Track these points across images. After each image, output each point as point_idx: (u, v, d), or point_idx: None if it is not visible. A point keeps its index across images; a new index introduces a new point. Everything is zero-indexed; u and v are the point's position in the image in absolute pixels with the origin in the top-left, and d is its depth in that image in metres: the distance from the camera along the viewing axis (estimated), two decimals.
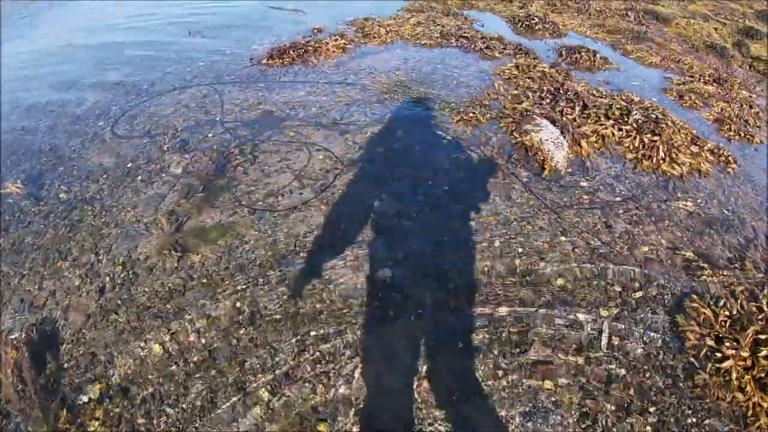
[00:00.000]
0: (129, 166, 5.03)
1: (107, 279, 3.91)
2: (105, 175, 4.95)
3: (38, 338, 3.61)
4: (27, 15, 12.11)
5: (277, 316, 3.50)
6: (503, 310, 3.55)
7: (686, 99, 6.86)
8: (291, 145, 5.13)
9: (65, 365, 3.40)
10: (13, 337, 3.64)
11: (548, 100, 5.90)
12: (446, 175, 4.73)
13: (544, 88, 6.19)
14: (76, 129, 5.86)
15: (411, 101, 6.01)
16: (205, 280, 3.77)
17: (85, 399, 3.18)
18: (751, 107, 7.01)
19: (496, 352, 3.32)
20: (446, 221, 4.22)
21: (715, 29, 10.39)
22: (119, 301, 3.72)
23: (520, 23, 9.19)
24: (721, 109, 6.77)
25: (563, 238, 4.14)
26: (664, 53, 8.47)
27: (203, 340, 3.41)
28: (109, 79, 7.20)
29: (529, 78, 6.58)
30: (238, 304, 3.58)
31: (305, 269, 3.80)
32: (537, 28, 9.01)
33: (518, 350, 3.34)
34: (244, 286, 3.70)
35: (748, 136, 6.24)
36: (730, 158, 5.50)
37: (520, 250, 4.01)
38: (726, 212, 4.71)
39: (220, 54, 7.79)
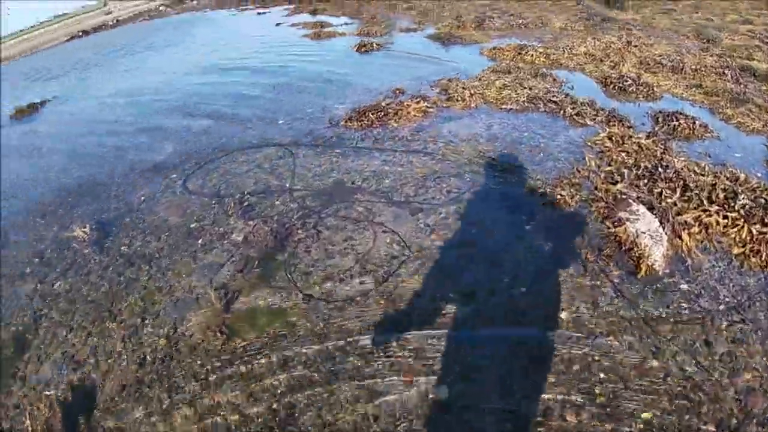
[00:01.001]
0: (193, 226, 4.98)
1: (149, 350, 3.77)
2: (168, 233, 4.92)
3: (72, 399, 3.52)
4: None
5: (312, 429, 3.15)
6: None
7: None
8: (358, 223, 4.86)
9: None
10: (48, 393, 3.57)
11: (645, 180, 5.31)
12: (525, 271, 4.24)
13: (641, 165, 5.59)
14: (150, 178, 5.97)
15: (492, 176, 5.60)
16: (244, 370, 3.51)
17: None
18: None
19: None
20: (521, 333, 3.74)
21: None
22: (155, 376, 3.56)
23: (612, 85, 8.61)
24: None
25: (655, 362, 3.53)
26: (767, 117, 7.57)
27: None
28: (193, 127, 7.39)
29: (623, 152, 5.99)
30: (274, 406, 3.27)
31: (351, 375, 3.44)
32: (630, 90, 8.39)
33: None
34: (283, 388, 3.39)
35: None
36: None
37: (602, 375, 3.45)
38: None
39: (302, 112, 7.82)
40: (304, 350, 3.62)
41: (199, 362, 3.60)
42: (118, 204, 5.48)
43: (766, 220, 4.59)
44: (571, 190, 5.26)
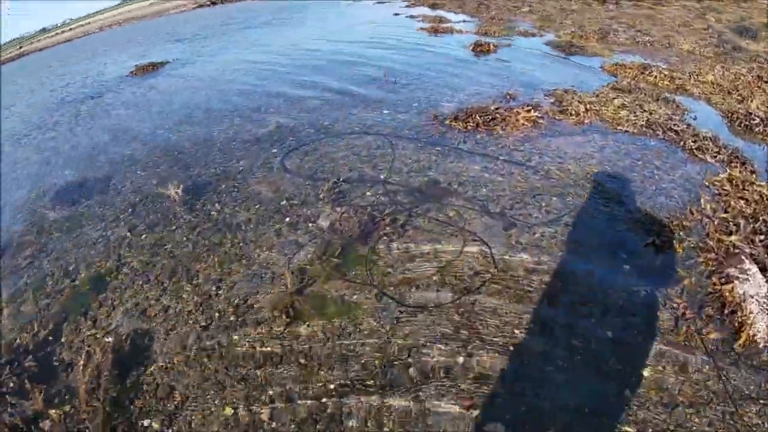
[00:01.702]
0: (283, 203, 4.99)
1: (216, 316, 3.78)
2: (258, 205, 4.96)
3: (130, 349, 3.62)
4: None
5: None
6: None
7: None
8: (447, 227, 4.64)
9: (144, 386, 3.34)
10: (108, 340, 3.68)
11: (762, 237, 4.70)
12: (614, 316, 3.86)
13: (760, 218, 4.97)
14: (251, 150, 6.06)
15: (597, 203, 5.18)
16: (303, 360, 3.43)
17: (149, 425, 3.11)
18: None
19: None
20: (596, 382, 3.39)
21: None
22: (216, 345, 3.57)
23: (738, 121, 7.78)
24: None
25: None
26: None
27: (274, 424, 3.08)
28: (301, 105, 7.46)
29: (742, 199, 5.34)
30: (324, 400, 3.16)
31: (407, 390, 3.26)
32: (757, 130, 7.54)
33: None
34: (337, 383, 3.27)
35: None
36: None
37: None
38: None
39: (407, 104, 7.67)
40: (366, 349, 3.49)
41: (260, 341, 3.57)
42: (217, 170, 5.60)
43: None
44: (681, 233, 4.76)
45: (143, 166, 6.29)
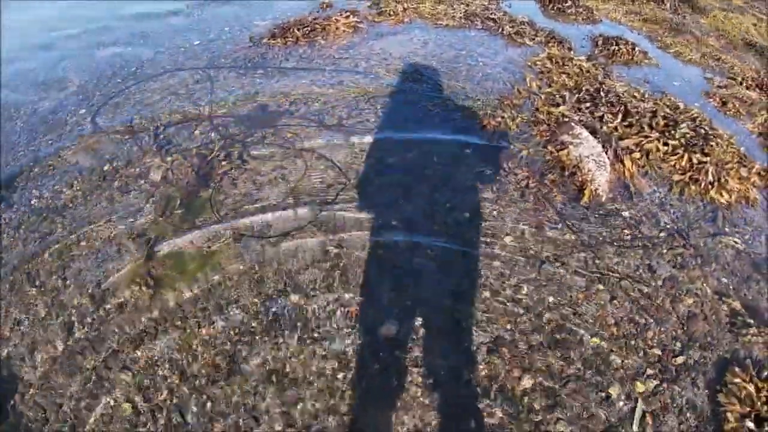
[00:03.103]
0: (106, 168, 4.47)
1: (74, 313, 3.40)
2: (79, 179, 4.39)
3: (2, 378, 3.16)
4: None
5: (256, 377, 3.00)
6: (527, 383, 3.03)
7: (730, 106, 6.15)
8: (287, 150, 4.52)
9: (30, 414, 2.94)
10: None
11: (587, 104, 5.22)
12: (467, 197, 4.13)
13: (582, 88, 5.50)
14: (56, 118, 5.27)
15: (430, 97, 5.34)
16: (179, 323, 3.26)
17: None
18: None
19: None
20: (466, 261, 3.66)
21: (754, 25, 9.51)
22: (87, 342, 3.23)
23: (551, 5, 8.40)
24: (765, 120, 6.06)
25: (601, 286, 3.58)
26: (704, 50, 7.70)
27: (176, 398, 2.93)
28: (99, 54, 6.57)
29: (564, 74, 5.86)
30: (216, 360, 3.07)
31: (294, 319, 3.27)
32: (569, 12, 8.22)
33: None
34: (223, 337, 3.18)
35: None
36: None
37: (551, 299, 3.46)
38: None
39: (219, 30, 7.09)
40: (241, 293, 3.41)
41: (130, 321, 3.30)
42: (26, 153, 4.81)
43: (705, 150, 4.65)
44: (513, 111, 5.12)
45: None
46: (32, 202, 4.24)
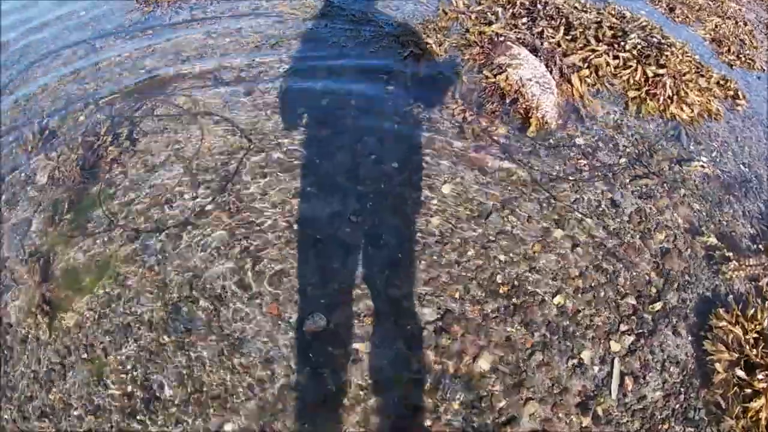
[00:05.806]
0: None
1: None
2: None
3: None
4: None
5: (177, 401, 2.42)
6: (485, 363, 2.52)
7: (678, 12, 5.63)
8: (181, 118, 3.76)
9: None
10: None
11: (524, 20, 4.58)
12: (395, 144, 3.49)
13: (517, 2, 4.83)
14: None
15: (342, 31, 4.60)
16: (86, 356, 2.60)
17: None
18: (745, 24, 5.82)
19: (476, 424, 2.33)
20: (399, 223, 3.06)
21: None
22: None
23: None
24: (716, 26, 5.57)
25: (559, 232, 3.05)
26: None
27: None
28: None
29: None
30: (129, 389, 2.46)
31: (207, 324, 2.65)
32: None
33: (504, 418, 2.36)
34: (133, 362, 2.56)
35: (748, 60, 5.12)
36: (738, 92, 4.40)
37: (502, 258, 2.91)
38: (743, 168, 3.69)
39: None
40: (143, 306, 2.75)
41: (35, 358, 2.64)
42: None
43: (660, 61, 4.11)
44: (439, 36, 4.45)
45: None
46: None
